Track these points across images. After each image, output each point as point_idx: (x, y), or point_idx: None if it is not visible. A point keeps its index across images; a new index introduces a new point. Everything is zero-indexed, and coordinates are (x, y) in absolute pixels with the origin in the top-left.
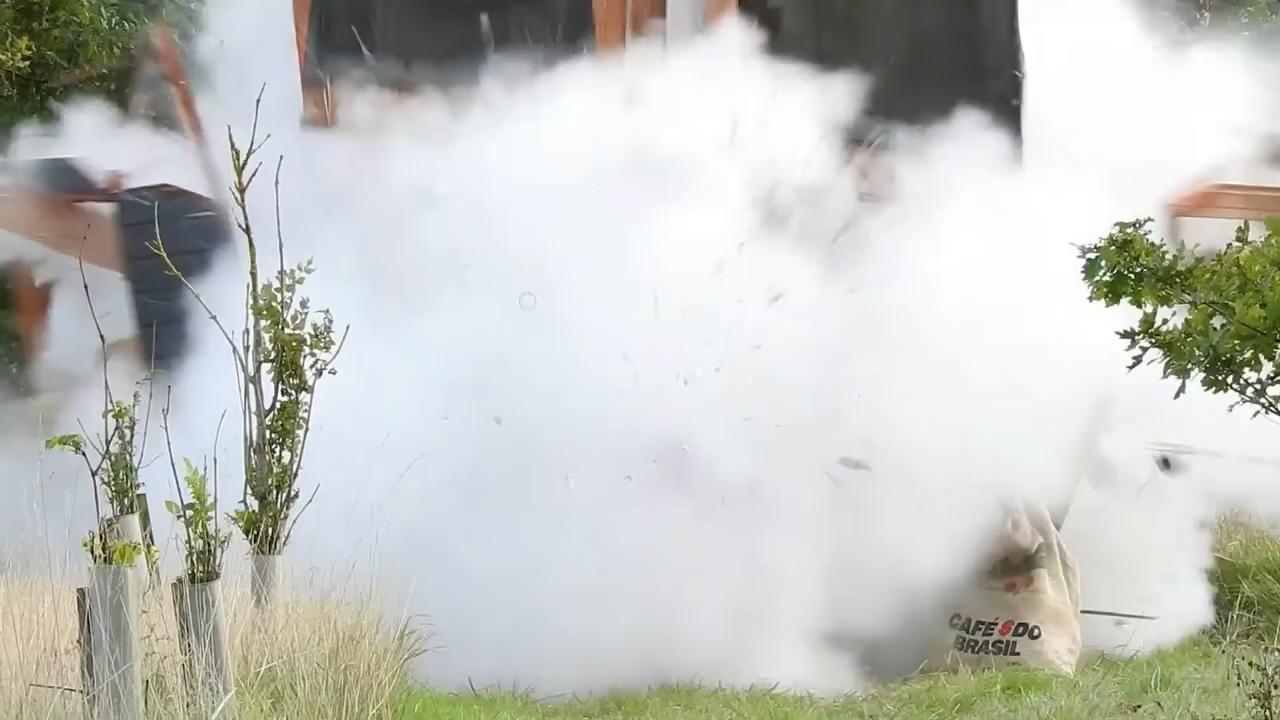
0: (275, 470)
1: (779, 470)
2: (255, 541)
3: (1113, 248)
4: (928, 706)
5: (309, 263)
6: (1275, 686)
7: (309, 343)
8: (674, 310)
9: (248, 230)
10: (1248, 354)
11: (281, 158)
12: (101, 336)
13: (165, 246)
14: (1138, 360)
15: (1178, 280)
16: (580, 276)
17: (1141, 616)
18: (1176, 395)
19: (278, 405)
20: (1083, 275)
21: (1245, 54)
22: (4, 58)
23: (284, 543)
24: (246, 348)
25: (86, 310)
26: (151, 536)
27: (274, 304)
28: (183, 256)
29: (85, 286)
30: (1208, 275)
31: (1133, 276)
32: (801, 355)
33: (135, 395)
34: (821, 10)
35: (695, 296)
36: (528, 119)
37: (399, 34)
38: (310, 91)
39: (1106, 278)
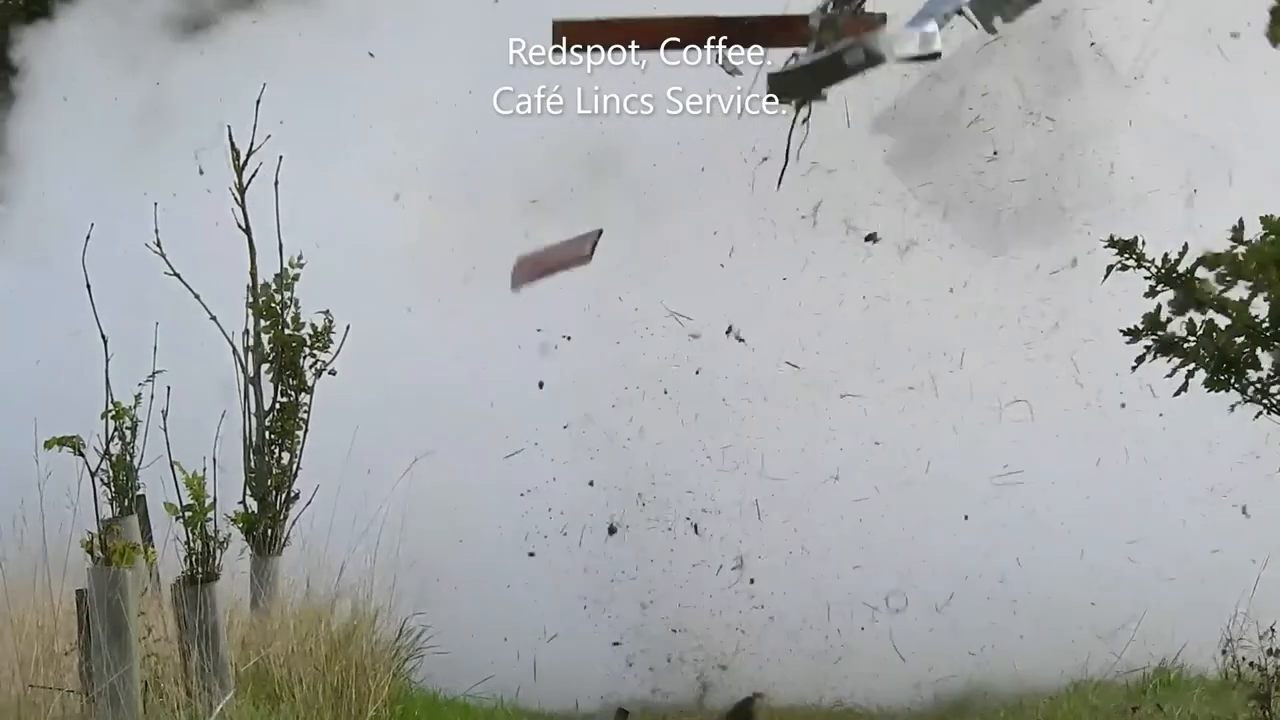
0: (274, 471)
1: None
2: (254, 543)
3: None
4: None
5: (299, 258)
6: (1275, 688)
7: (308, 343)
8: None
9: (248, 231)
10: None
11: (281, 158)
12: (103, 337)
13: None
14: (1140, 360)
15: (1180, 280)
16: None
17: None
18: (1177, 394)
19: (277, 406)
20: None
21: None
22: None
23: (283, 544)
24: (246, 348)
25: None
26: (150, 538)
27: (272, 304)
28: None
29: (88, 286)
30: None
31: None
32: None
33: (136, 396)
34: None
35: None
36: None
37: None
38: None
39: None
